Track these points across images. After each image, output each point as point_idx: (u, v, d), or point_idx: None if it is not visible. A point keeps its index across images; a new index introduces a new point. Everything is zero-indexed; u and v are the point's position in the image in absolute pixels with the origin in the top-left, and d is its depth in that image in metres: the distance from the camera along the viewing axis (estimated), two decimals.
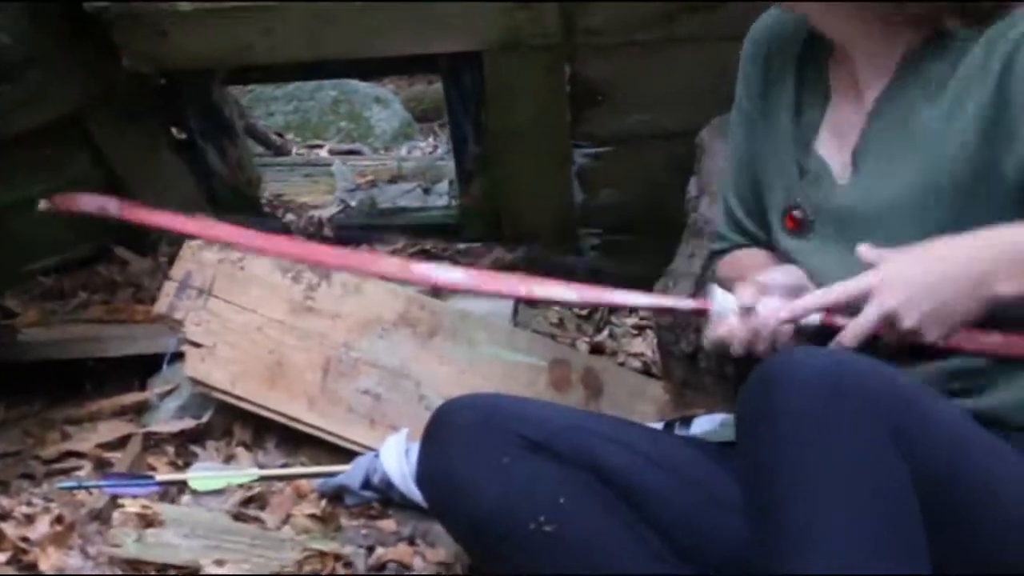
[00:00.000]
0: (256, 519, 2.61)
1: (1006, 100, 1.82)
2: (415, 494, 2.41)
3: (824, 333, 1.86)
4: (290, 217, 4.20)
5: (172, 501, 2.64)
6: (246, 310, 2.89)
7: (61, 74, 3.59)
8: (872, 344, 1.80)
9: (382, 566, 2.46)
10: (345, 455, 2.75)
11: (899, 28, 1.94)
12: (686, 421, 2.30)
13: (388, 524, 2.59)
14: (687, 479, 2.02)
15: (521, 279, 2.01)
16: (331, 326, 2.89)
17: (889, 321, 1.77)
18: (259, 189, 4.21)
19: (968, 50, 1.87)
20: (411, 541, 2.53)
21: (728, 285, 2.21)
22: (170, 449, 2.84)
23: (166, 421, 2.91)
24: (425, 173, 4.77)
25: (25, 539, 2.42)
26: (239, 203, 4.01)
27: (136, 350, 3.14)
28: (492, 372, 2.88)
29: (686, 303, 2.00)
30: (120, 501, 2.57)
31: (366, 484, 2.62)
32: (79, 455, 2.87)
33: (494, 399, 2.09)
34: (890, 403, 1.66)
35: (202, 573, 2.36)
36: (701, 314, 1.95)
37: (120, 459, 2.80)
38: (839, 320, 1.84)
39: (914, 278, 1.76)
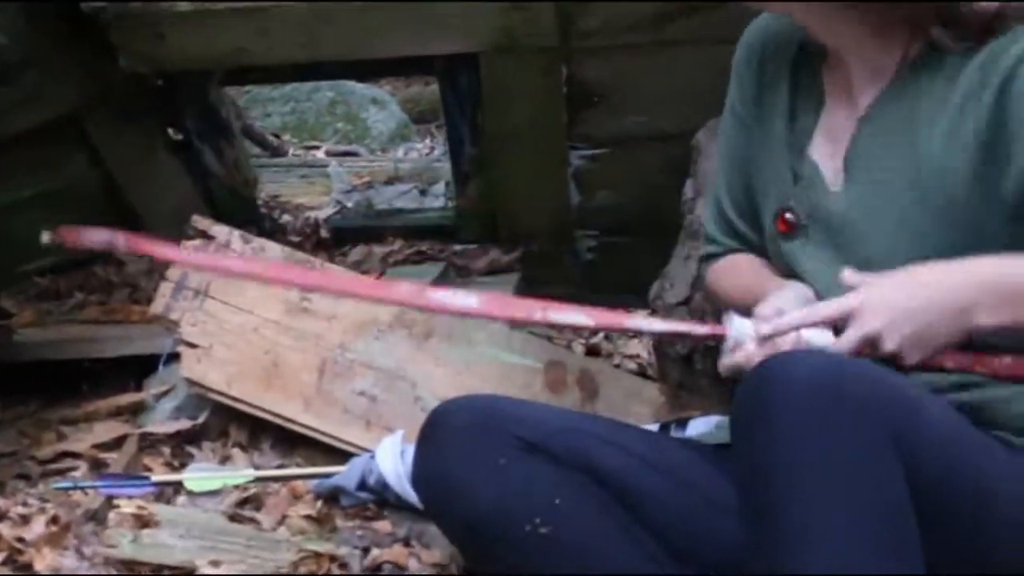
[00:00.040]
0: (252, 520, 2.60)
1: (1003, 120, 1.82)
2: (411, 495, 2.42)
3: None
4: (287, 218, 4.20)
5: (168, 502, 2.64)
6: (242, 311, 2.89)
7: (58, 75, 3.60)
8: None
9: (377, 567, 2.46)
10: (341, 456, 2.75)
11: (893, 33, 1.93)
12: (682, 423, 2.31)
13: (383, 525, 2.58)
14: (682, 481, 2.02)
15: (537, 304, 2.01)
16: (327, 327, 2.89)
17: (870, 344, 1.78)
18: (256, 190, 4.21)
19: (969, 64, 1.87)
20: (406, 542, 2.53)
21: (722, 293, 2.23)
22: (166, 450, 2.84)
23: (162, 422, 2.91)
24: (421, 175, 4.77)
25: (21, 539, 2.42)
26: (236, 204, 4.01)
27: (132, 351, 3.14)
28: (488, 374, 2.88)
29: (702, 329, 2.00)
30: (116, 502, 2.57)
31: (362, 485, 2.62)
32: (75, 455, 2.87)
33: (490, 401, 2.08)
34: (886, 404, 1.66)
35: (197, 574, 2.36)
36: (717, 339, 1.94)
37: (116, 460, 2.80)
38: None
39: (896, 303, 1.78)
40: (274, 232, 3.90)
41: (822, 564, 1.61)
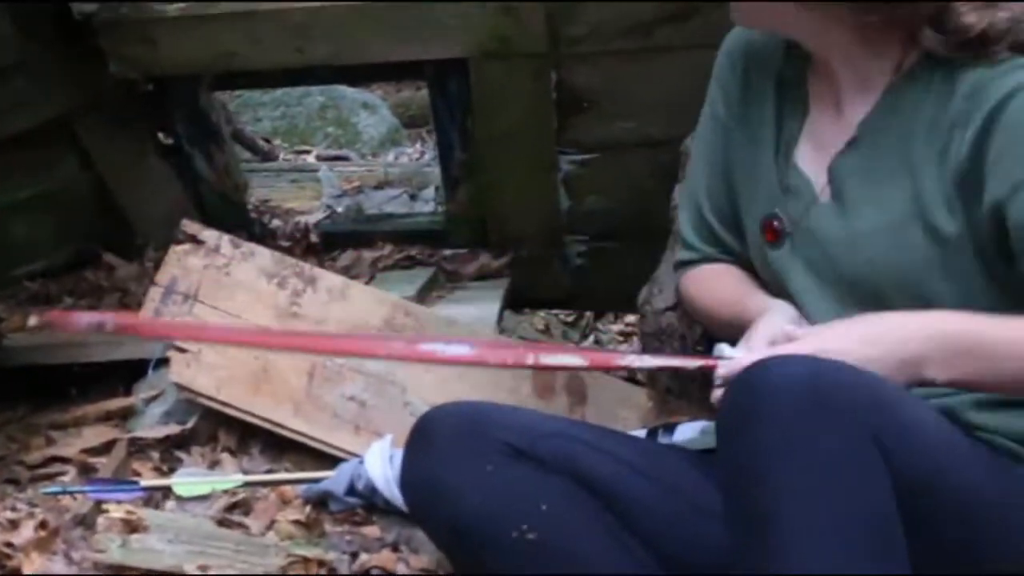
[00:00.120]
0: (240, 525, 2.61)
1: (982, 155, 1.83)
2: (399, 500, 2.42)
3: None
4: (277, 223, 4.19)
5: (156, 506, 2.65)
6: (231, 316, 2.89)
7: (48, 79, 3.60)
8: None
9: (366, 572, 2.46)
10: (330, 461, 2.76)
11: (883, 41, 1.93)
12: (669, 428, 2.31)
13: (372, 530, 2.59)
14: (670, 487, 2.03)
15: (528, 348, 2.04)
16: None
17: None
18: (246, 194, 4.21)
19: (957, 89, 1.86)
20: (395, 547, 2.53)
21: (699, 303, 2.24)
22: (155, 454, 2.84)
23: (151, 426, 2.90)
24: (411, 179, 4.76)
25: (9, 544, 2.43)
26: (226, 209, 4.01)
27: (121, 355, 3.14)
28: (476, 379, 2.87)
29: (693, 362, 2.01)
30: (104, 506, 2.57)
31: (350, 490, 2.62)
32: (64, 460, 2.87)
33: (478, 406, 2.09)
34: (869, 408, 1.67)
35: None
36: (708, 371, 1.95)
37: (105, 464, 2.80)
38: None
39: (850, 351, 1.78)
40: (264, 237, 3.89)
41: (808, 567, 1.61)
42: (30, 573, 2.36)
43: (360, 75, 4.95)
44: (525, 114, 3.54)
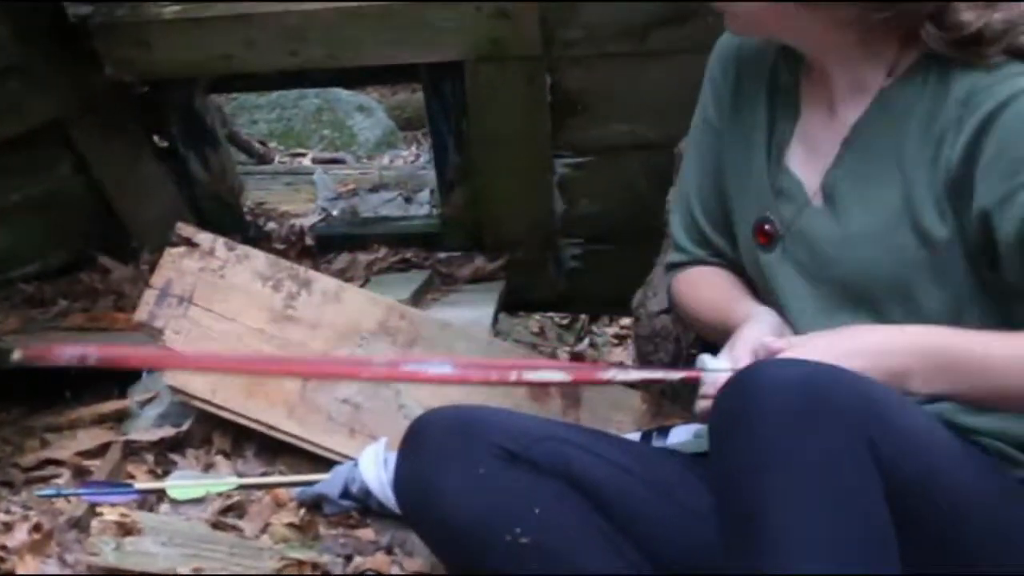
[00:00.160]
0: (234, 528, 2.60)
1: (973, 161, 1.83)
2: (393, 503, 2.41)
3: None
4: (272, 225, 4.20)
5: (151, 509, 2.64)
6: (226, 319, 2.89)
7: (43, 82, 3.60)
8: None
9: (360, 575, 2.46)
10: (324, 464, 2.75)
11: (881, 42, 1.93)
12: (663, 431, 2.31)
13: (366, 533, 2.59)
14: (664, 490, 2.03)
15: (511, 365, 2.03)
16: (311, 335, 2.90)
17: None
18: (241, 197, 4.21)
19: (951, 92, 1.86)
20: (389, 550, 2.53)
21: (688, 306, 2.24)
22: (149, 457, 2.83)
23: (146, 429, 2.90)
24: (407, 182, 4.77)
25: (3, 547, 2.42)
26: (221, 211, 4.02)
27: None
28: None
29: (676, 374, 2.02)
30: (99, 509, 2.56)
31: (345, 493, 2.62)
32: (58, 463, 2.87)
33: (472, 410, 2.08)
34: (861, 411, 1.67)
35: None
36: (692, 382, 1.96)
37: (99, 467, 2.80)
38: None
39: (836, 362, 1.78)
40: (259, 239, 3.90)
41: (799, 568, 1.61)
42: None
43: (355, 78, 4.95)
44: (520, 117, 3.55)
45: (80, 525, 2.52)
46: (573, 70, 3.48)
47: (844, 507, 1.63)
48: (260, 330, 2.89)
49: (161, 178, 3.93)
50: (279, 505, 2.68)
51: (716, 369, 1.93)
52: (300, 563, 2.46)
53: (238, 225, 4.01)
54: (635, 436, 2.34)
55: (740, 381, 1.72)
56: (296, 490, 2.69)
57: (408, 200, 4.55)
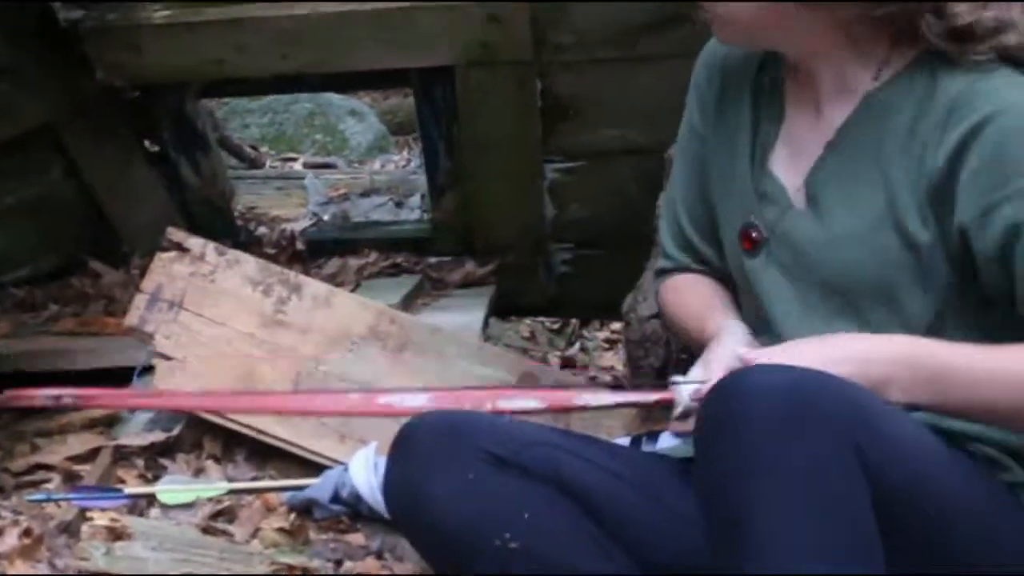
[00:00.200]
0: (225, 532, 2.61)
1: (956, 171, 1.83)
2: (384, 508, 2.42)
3: None
4: (263, 230, 4.19)
5: (141, 514, 2.64)
6: (216, 323, 2.90)
7: (34, 86, 3.60)
8: None
9: None
10: (314, 468, 2.76)
11: (870, 41, 1.93)
12: (653, 436, 2.31)
13: (356, 538, 2.59)
14: (653, 495, 2.03)
15: (487, 394, 2.04)
16: (301, 340, 2.90)
17: None
18: (232, 202, 4.22)
19: (937, 95, 1.86)
20: (379, 555, 2.54)
21: (670, 311, 2.25)
22: (140, 462, 2.84)
23: (136, 434, 2.90)
24: (397, 187, 4.77)
25: None
26: (212, 215, 4.02)
27: (107, 363, 3.14)
28: None
29: (651, 397, 2.02)
30: (89, 514, 2.57)
31: (335, 498, 2.62)
32: (48, 468, 2.87)
33: (461, 414, 2.08)
34: (848, 417, 1.67)
35: None
36: (666, 404, 1.97)
37: (89, 472, 2.80)
38: None
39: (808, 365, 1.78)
40: (250, 244, 3.90)
41: (786, 572, 1.62)
42: None
43: (347, 83, 4.95)
44: (510, 122, 3.56)
45: (70, 530, 2.51)
46: (563, 75, 3.49)
47: (830, 513, 1.63)
48: (250, 335, 2.89)
49: (152, 183, 3.93)
50: (269, 510, 2.68)
51: (689, 381, 1.94)
52: (290, 568, 2.46)
53: (229, 230, 4.01)
54: (625, 441, 2.34)
55: (726, 387, 1.72)
56: (286, 495, 2.69)
57: (399, 205, 4.55)
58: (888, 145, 1.90)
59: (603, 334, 4.57)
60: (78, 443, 2.94)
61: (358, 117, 7.54)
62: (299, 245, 3.97)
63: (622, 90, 3.48)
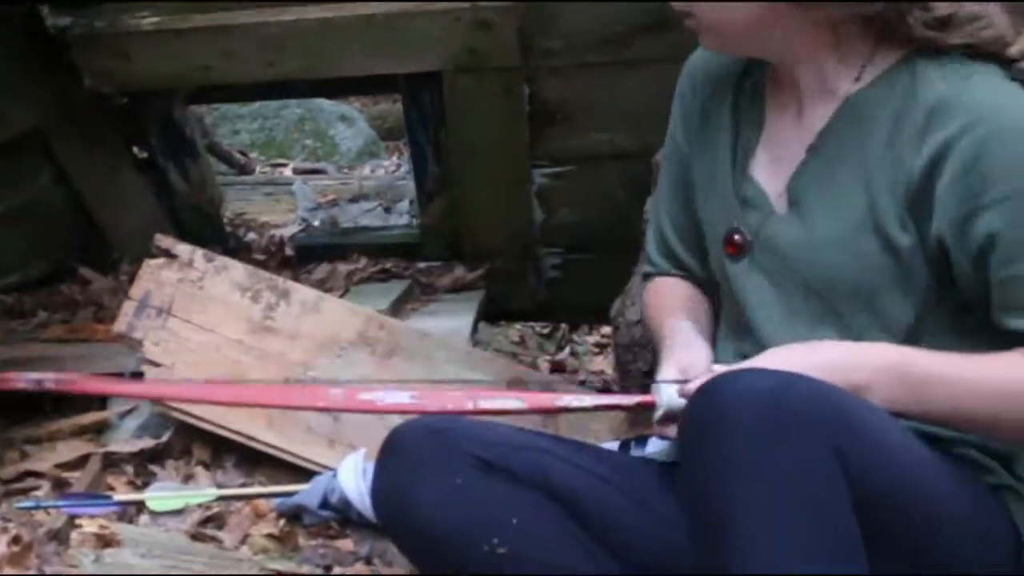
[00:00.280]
0: (214, 539, 2.61)
1: (933, 180, 1.84)
2: (372, 513, 2.42)
3: None
4: (251, 236, 4.20)
5: (130, 521, 2.65)
6: (205, 330, 2.90)
7: (22, 92, 3.60)
8: None
9: None
10: (304, 475, 2.76)
11: (853, 41, 1.94)
12: (641, 440, 2.32)
13: (345, 544, 2.59)
14: (641, 500, 2.04)
15: (468, 394, 2.04)
16: (290, 346, 2.91)
17: None
18: (221, 208, 4.21)
19: (918, 98, 1.87)
20: (368, 560, 2.54)
21: (647, 314, 2.25)
22: (129, 469, 2.84)
23: (125, 440, 2.91)
24: (386, 192, 4.77)
25: None
26: (201, 222, 4.02)
27: (96, 369, 3.13)
28: None
29: (631, 400, 2.03)
30: (78, 521, 2.57)
31: (324, 503, 2.63)
32: (38, 475, 2.86)
33: (449, 420, 2.08)
34: (829, 421, 1.67)
35: None
36: (647, 407, 1.97)
37: (79, 479, 2.80)
38: None
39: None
40: (239, 250, 3.90)
41: (769, 574, 1.62)
42: None
43: (335, 89, 4.95)
44: (498, 127, 3.56)
45: (60, 537, 2.52)
46: (551, 80, 3.49)
47: (813, 517, 1.63)
48: (239, 341, 2.90)
49: (141, 189, 3.93)
50: (259, 516, 2.68)
51: (668, 380, 1.95)
52: (279, 574, 2.47)
53: (218, 236, 4.01)
54: (613, 445, 2.34)
55: (710, 391, 1.72)
56: (275, 501, 2.70)
57: (388, 210, 4.55)
58: (869, 147, 1.91)
59: (593, 338, 4.57)
60: (67, 450, 2.94)
61: (348, 122, 7.54)
62: (288, 251, 3.97)
63: (610, 95, 3.48)
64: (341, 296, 3.47)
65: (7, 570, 2.39)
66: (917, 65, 1.90)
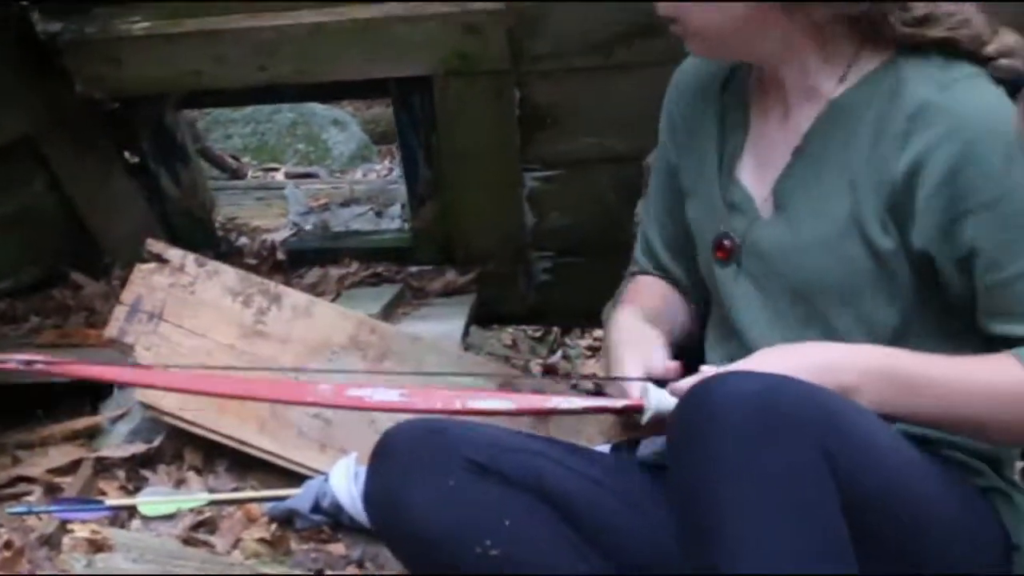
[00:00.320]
0: (206, 543, 2.61)
1: (914, 187, 1.85)
2: (365, 517, 2.42)
3: None
4: (243, 240, 4.20)
5: (122, 526, 2.64)
6: (196, 335, 2.90)
7: (13, 98, 3.60)
8: None
9: None
10: (295, 479, 2.76)
11: (838, 42, 1.94)
12: (633, 444, 2.32)
13: (337, 548, 2.59)
14: (633, 503, 2.05)
15: (456, 394, 2.04)
16: (281, 350, 2.91)
17: None
18: (212, 213, 4.22)
19: (901, 101, 1.88)
20: (360, 564, 2.54)
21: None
22: (121, 473, 2.84)
23: (117, 445, 2.91)
24: (378, 196, 4.77)
25: None
26: (192, 226, 4.02)
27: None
28: None
29: (620, 403, 2.03)
30: (70, 526, 2.56)
31: (316, 508, 2.63)
32: (29, 480, 2.86)
33: (441, 422, 2.09)
34: (817, 423, 1.67)
35: None
36: (635, 411, 1.98)
37: (71, 484, 2.80)
38: None
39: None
40: (230, 254, 3.91)
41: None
42: None
43: (326, 93, 4.96)
44: (489, 131, 3.56)
45: (51, 542, 2.52)
46: (541, 84, 3.50)
47: (802, 518, 1.63)
48: (230, 346, 2.89)
49: (132, 194, 3.94)
50: (250, 520, 2.68)
51: (659, 398, 1.95)
52: None
53: (209, 241, 4.01)
54: (605, 448, 2.35)
55: (699, 393, 1.72)
56: (267, 505, 2.70)
57: (379, 214, 4.55)
58: (854, 149, 1.92)
59: (585, 342, 4.57)
60: (59, 455, 2.94)
61: (340, 127, 7.54)
62: (280, 255, 3.97)
63: (600, 98, 3.49)
64: (333, 300, 3.47)
65: None
66: (901, 66, 1.90)
